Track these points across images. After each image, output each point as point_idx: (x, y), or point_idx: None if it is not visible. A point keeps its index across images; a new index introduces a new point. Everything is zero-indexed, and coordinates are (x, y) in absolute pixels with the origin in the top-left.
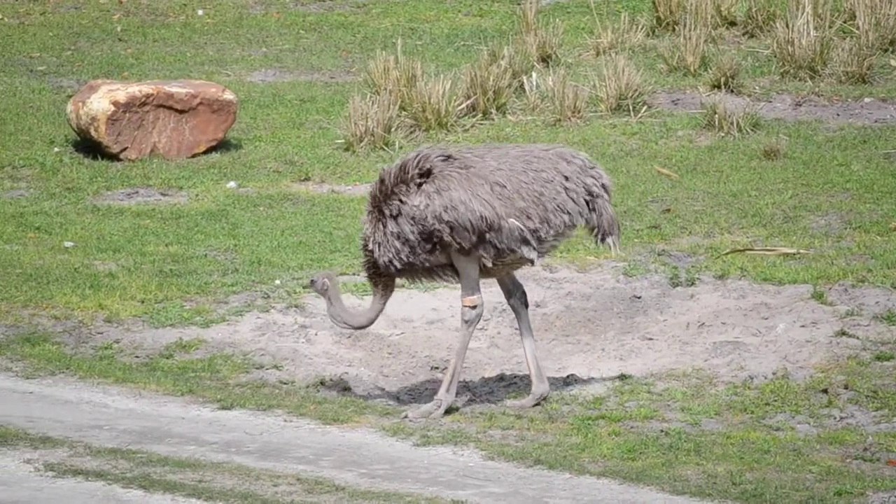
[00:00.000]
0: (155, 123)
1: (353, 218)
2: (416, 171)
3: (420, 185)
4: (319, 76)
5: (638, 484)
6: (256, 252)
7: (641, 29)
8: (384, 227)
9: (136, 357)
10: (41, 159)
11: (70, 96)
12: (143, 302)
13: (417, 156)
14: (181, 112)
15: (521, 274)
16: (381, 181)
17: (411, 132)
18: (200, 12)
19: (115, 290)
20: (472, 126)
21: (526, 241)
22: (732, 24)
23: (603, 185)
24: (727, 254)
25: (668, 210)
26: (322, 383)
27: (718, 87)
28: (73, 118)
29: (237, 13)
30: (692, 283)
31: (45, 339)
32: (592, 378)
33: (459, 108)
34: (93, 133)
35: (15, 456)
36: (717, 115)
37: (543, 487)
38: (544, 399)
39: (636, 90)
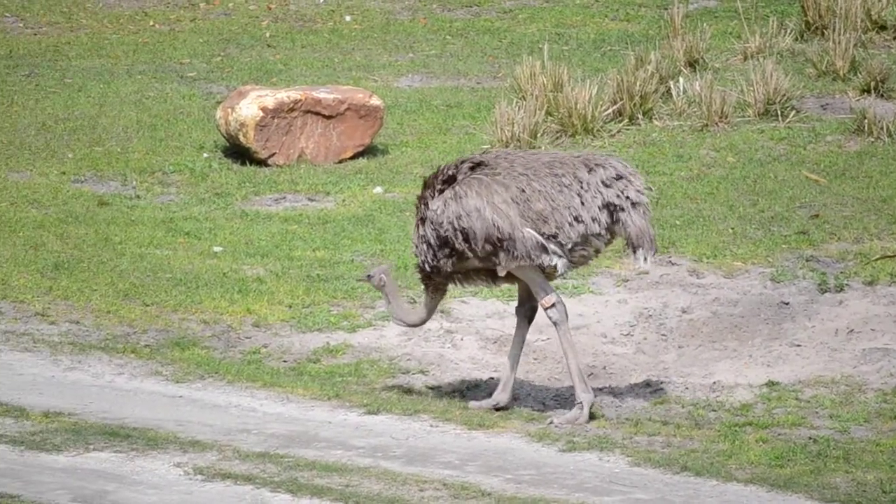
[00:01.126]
0: (303, 129)
1: None
2: (443, 176)
3: (442, 190)
4: (466, 81)
5: (786, 491)
6: (403, 257)
7: (790, 33)
8: (417, 230)
9: (284, 361)
10: (191, 165)
11: (219, 102)
12: (290, 307)
13: (453, 162)
14: (329, 118)
15: (668, 279)
16: (423, 184)
17: (557, 137)
18: (348, 18)
19: (263, 294)
20: (618, 131)
21: (545, 249)
22: (882, 28)
23: (629, 198)
24: (877, 259)
25: (817, 215)
26: (468, 388)
27: (868, 91)
28: (222, 124)
29: (384, 19)
30: (841, 290)
31: (194, 343)
32: (739, 384)
33: (606, 113)
34: (241, 139)
35: (165, 459)
36: (866, 121)
37: (690, 494)
38: (503, 409)
39: (784, 95)
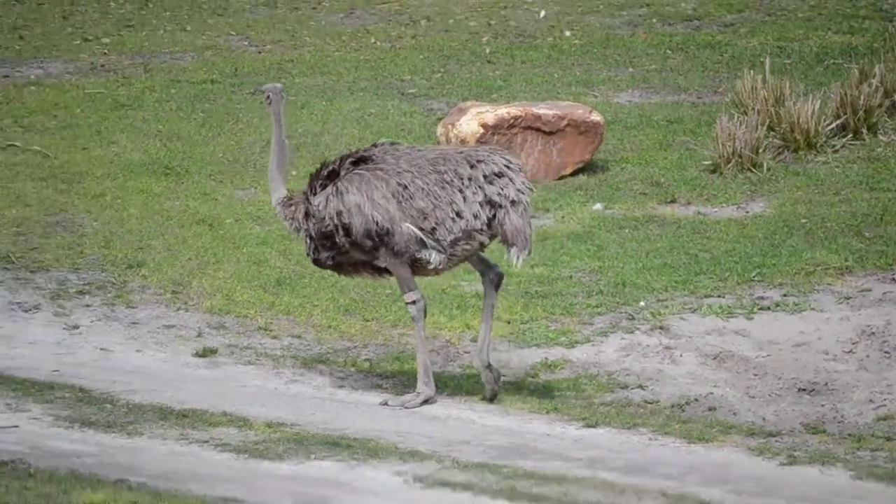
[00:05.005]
0: (523, 146)
1: (719, 240)
2: (326, 171)
3: (324, 185)
4: (686, 96)
5: None
6: (621, 274)
7: None
8: (302, 222)
9: (503, 376)
10: None
11: (440, 119)
12: (509, 322)
13: (337, 157)
14: (549, 134)
15: (892, 296)
16: (309, 178)
17: (779, 153)
18: (568, 34)
19: (481, 310)
20: (841, 146)
21: (423, 244)
22: None
23: (507, 196)
24: None
25: None
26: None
27: None
28: (443, 140)
29: (604, 34)
30: None
31: (413, 357)
32: None
33: (829, 128)
34: None
35: (385, 468)
36: None
37: None
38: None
39: None
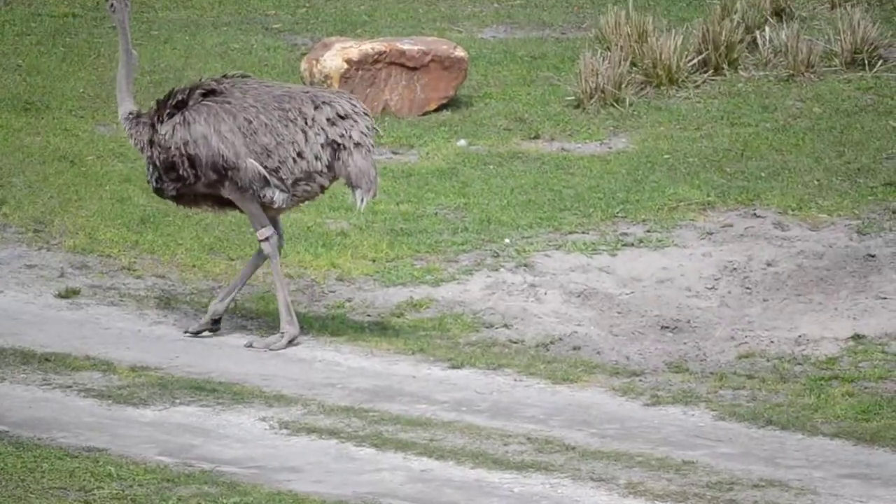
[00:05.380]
0: (387, 81)
1: (583, 176)
2: (174, 100)
3: (172, 115)
4: (550, 32)
5: (872, 445)
6: (486, 210)
7: None
8: (146, 147)
9: (368, 315)
10: None
11: (304, 54)
12: (374, 261)
13: (186, 86)
14: (413, 69)
15: (753, 231)
16: (156, 105)
17: (642, 88)
18: None
19: (346, 248)
20: (703, 82)
21: (267, 182)
22: None
23: (351, 138)
24: None
25: None
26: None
27: None
28: (306, 76)
29: None
30: None
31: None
32: (825, 338)
33: (691, 63)
34: None
35: (251, 414)
36: None
37: (776, 448)
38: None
39: (872, 44)
